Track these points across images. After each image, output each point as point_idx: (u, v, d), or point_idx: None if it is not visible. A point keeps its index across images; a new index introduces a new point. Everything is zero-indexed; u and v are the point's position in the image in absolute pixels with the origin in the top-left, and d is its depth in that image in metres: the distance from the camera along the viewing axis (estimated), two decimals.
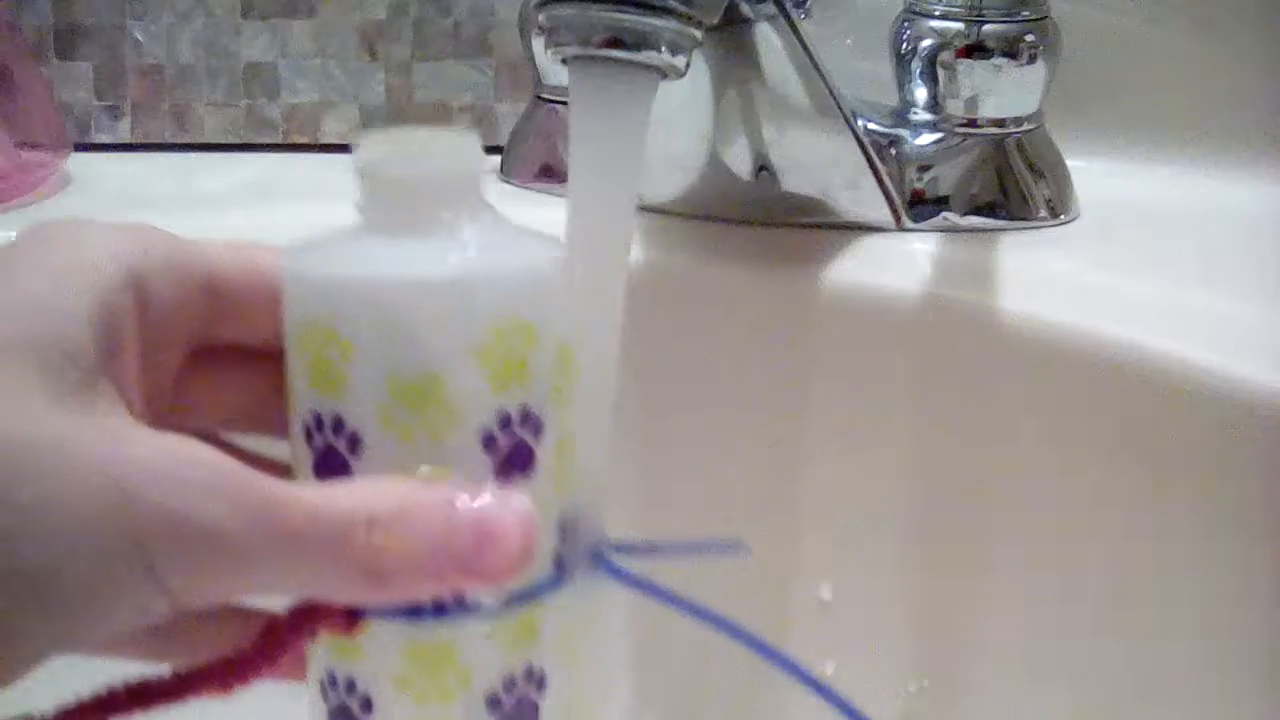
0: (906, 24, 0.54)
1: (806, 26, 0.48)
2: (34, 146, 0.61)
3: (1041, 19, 0.53)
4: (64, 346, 0.26)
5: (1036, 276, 0.49)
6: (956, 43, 0.53)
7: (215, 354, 0.31)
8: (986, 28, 0.53)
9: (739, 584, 0.51)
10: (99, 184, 0.62)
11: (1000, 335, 0.47)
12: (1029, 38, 0.53)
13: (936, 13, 0.53)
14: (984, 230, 0.53)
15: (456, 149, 0.30)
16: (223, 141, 0.67)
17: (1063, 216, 0.55)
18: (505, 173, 0.61)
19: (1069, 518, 0.46)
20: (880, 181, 0.52)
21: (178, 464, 0.25)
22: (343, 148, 0.66)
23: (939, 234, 0.53)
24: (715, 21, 0.39)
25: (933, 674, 0.50)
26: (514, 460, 0.29)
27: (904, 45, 0.54)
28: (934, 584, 0.50)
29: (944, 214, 0.53)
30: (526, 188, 0.60)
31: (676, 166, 0.53)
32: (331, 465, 0.29)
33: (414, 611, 0.28)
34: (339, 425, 0.29)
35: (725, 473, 0.52)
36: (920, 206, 0.53)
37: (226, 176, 0.64)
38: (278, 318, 0.30)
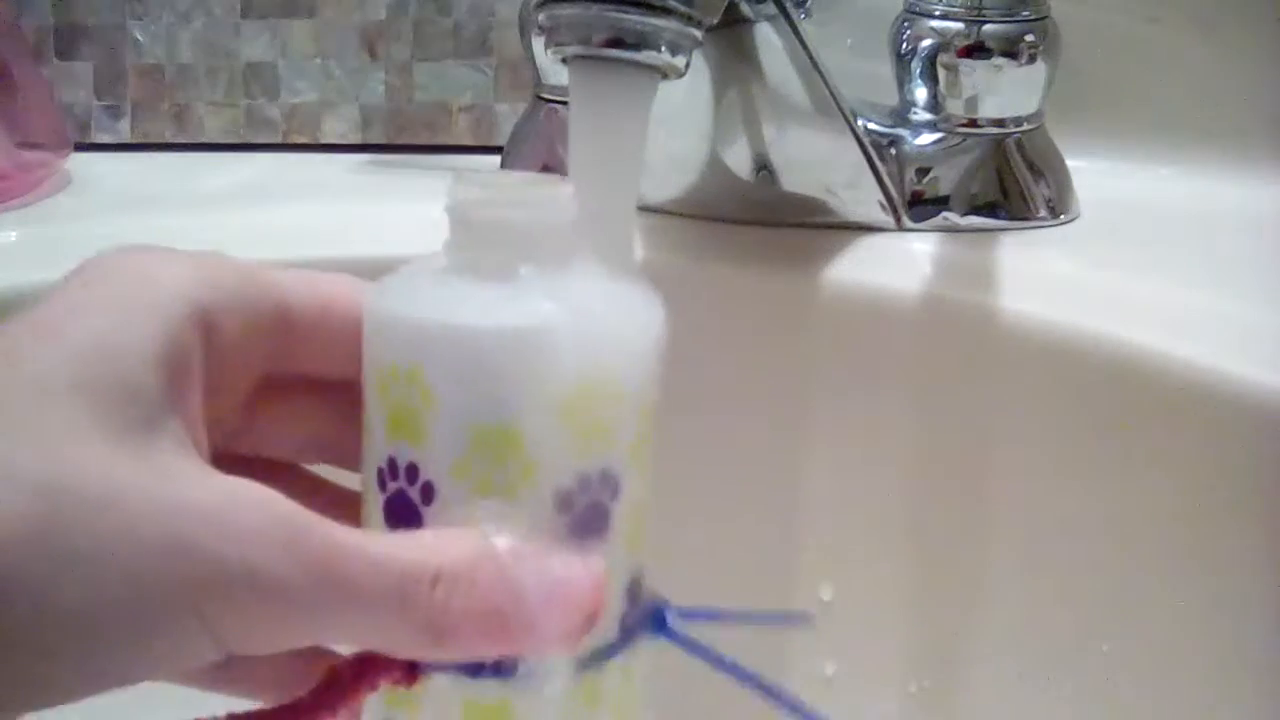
0: (906, 24, 0.54)
1: (806, 26, 0.49)
2: (34, 146, 0.61)
3: (1041, 19, 0.53)
4: (127, 386, 0.25)
5: (1036, 276, 0.49)
6: (956, 43, 0.53)
7: (284, 384, 0.31)
8: (986, 28, 0.53)
9: (740, 585, 0.51)
10: (99, 184, 0.62)
11: (1000, 335, 0.47)
12: (1029, 38, 0.53)
13: (936, 13, 0.53)
14: (984, 230, 0.53)
15: (552, 198, 0.29)
16: (223, 141, 0.67)
17: (1063, 216, 0.55)
18: None
19: (1068, 517, 0.46)
20: (880, 181, 0.52)
21: (236, 509, 0.25)
22: (343, 148, 0.66)
23: (939, 234, 0.53)
24: (715, 21, 0.39)
25: (933, 674, 0.50)
26: (588, 521, 0.28)
27: (904, 45, 0.54)
28: (934, 584, 0.50)
29: (944, 214, 0.53)
30: None
31: (676, 166, 0.53)
32: (402, 512, 0.28)
33: (475, 669, 0.28)
34: (414, 472, 0.28)
35: (725, 473, 0.52)
36: (920, 206, 0.53)
37: (226, 176, 0.63)
38: (349, 351, 0.29)
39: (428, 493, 0.28)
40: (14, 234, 0.56)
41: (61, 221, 0.58)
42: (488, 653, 0.27)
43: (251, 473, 0.29)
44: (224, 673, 0.28)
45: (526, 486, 0.27)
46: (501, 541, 0.27)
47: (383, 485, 0.29)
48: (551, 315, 0.28)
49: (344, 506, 0.30)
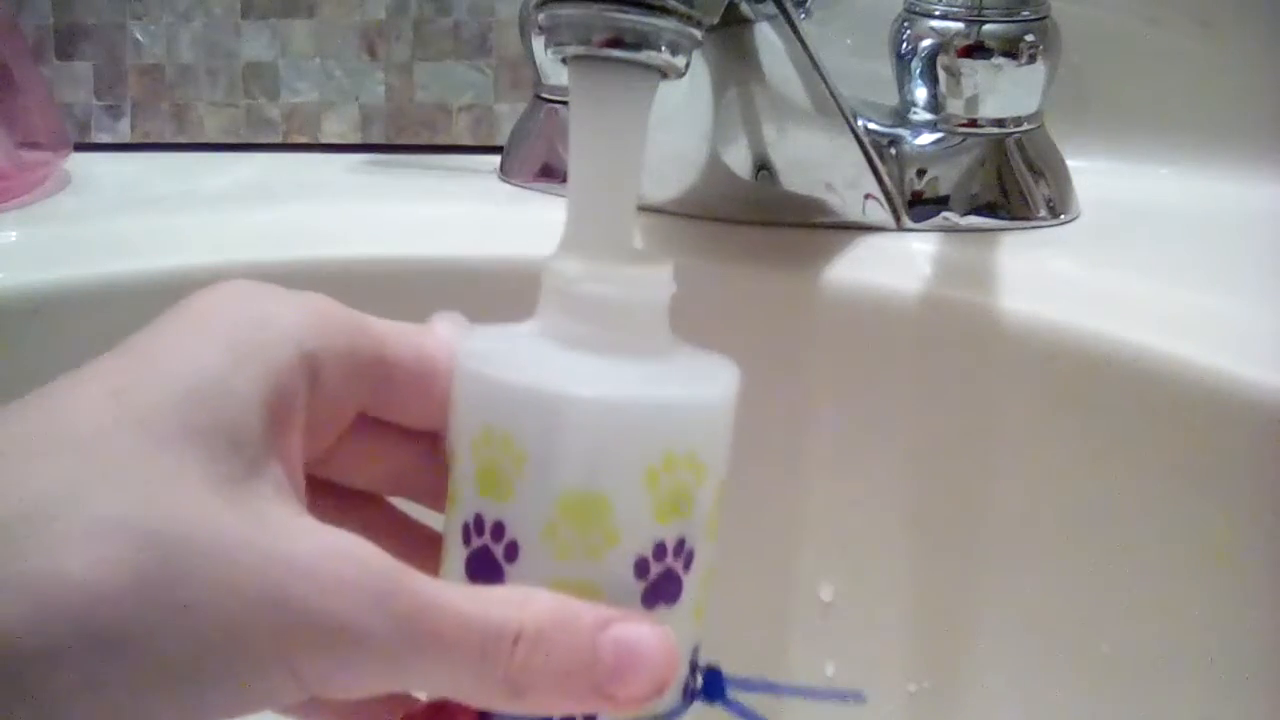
0: (906, 24, 0.54)
1: (806, 26, 0.48)
2: (34, 146, 0.61)
3: (1041, 19, 0.53)
4: (234, 432, 0.26)
5: (1036, 276, 0.49)
6: (956, 43, 0.53)
7: (369, 424, 0.31)
8: (986, 28, 0.53)
9: (741, 585, 0.51)
10: (99, 184, 0.62)
11: (1000, 335, 0.47)
12: (1029, 38, 0.53)
13: (936, 13, 0.53)
14: (984, 230, 0.53)
15: (650, 277, 0.30)
16: (223, 141, 0.67)
17: (1063, 216, 0.55)
18: (505, 173, 0.61)
19: (1068, 517, 0.46)
20: (880, 181, 0.52)
21: (332, 562, 0.25)
22: (343, 148, 0.66)
23: (939, 234, 0.53)
24: (715, 21, 0.39)
25: (933, 674, 0.50)
26: (662, 588, 0.29)
27: (904, 45, 0.54)
28: (934, 584, 0.50)
29: (944, 214, 0.53)
30: (526, 187, 0.60)
31: (676, 166, 0.53)
32: (485, 568, 0.29)
33: None
34: (499, 531, 0.29)
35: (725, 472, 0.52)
36: (920, 206, 0.53)
37: (226, 176, 0.63)
38: (435, 404, 0.30)
39: (512, 551, 0.29)
40: (14, 234, 0.56)
41: (61, 221, 0.58)
42: (561, 710, 0.28)
43: (330, 496, 0.31)
44: (306, 706, 0.30)
45: (608, 551, 0.28)
46: (582, 604, 0.27)
47: (467, 539, 0.29)
48: (642, 388, 0.29)
49: (424, 543, 0.32)
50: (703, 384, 0.30)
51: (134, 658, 0.24)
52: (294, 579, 0.25)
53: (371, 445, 0.32)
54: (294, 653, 0.25)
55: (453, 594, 0.26)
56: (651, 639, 0.27)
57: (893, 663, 0.51)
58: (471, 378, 0.30)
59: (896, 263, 0.51)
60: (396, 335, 0.30)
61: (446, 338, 0.31)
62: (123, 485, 0.24)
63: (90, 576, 0.23)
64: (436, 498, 0.31)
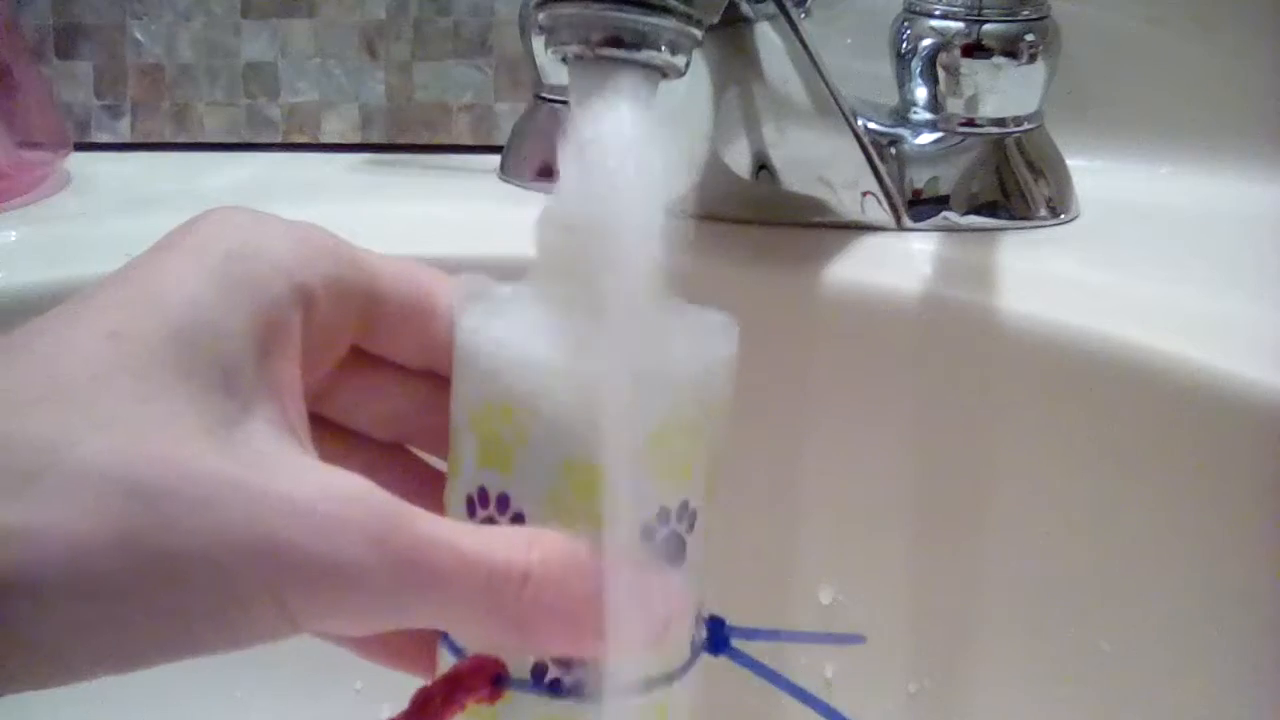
0: (906, 24, 0.54)
1: (806, 26, 0.48)
2: (34, 146, 0.61)
3: (1041, 19, 0.53)
4: (228, 371, 0.26)
5: (1036, 276, 0.49)
6: (956, 42, 0.53)
7: (366, 360, 0.31)
8: (986, 27, 0.53)
9: (741, 587, 0.51)
10: (99, 183, 0.62)
11: (1000, 335, 0.47)
12: (1029, 37, 0.53)
13: (936, 12, 0.53)
14: (984, 230, 0.53)
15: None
16: (223, 141, 0.67)
17: (1063, 216, 0.55)
18: (505, 173, 0.61)
19: (1068, 517, 0.46)
20: (880, 181, 0.52)
21: (327, 503, 0.25)
22: (343, 147, 0.66)
23: (939, 234, 0.53)
24: (715, 21, 0.39)
25: (933, 674, 0.50)
26: (667, 550, 0.29)
27: (904, 45, 0.54)
28: (934, 584, 0.50)
29: (944, 214, 0.53)
30: (526, 187, 0.60)
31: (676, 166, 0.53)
32: None
33: (555, 688, 0.29)
34: (504, 503, 0.29)
35: (724, 473, 0.52)
36: (920, 206, 0.53)
37: (226, 176, 0.64)
38: (429, 341, 0.30)
39: (518, 523, 0.29)
40: (14, 234, 0.56)
41: (61, 221, 0.58)
42: (564, 652, 0.28)
43: (338, 439, 0.31)
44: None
45: (612, 519, 0.28)
46: (589, 547, 0.27)
47: (472, 511, 0.29)
48: (641, 354, 0.29)
49: (425, 476, 0.32)
50: (700, 347, 0.30)
51: (119, 603, 0.24)
52: (285, 521, 0.25)
53: (370, 381, 0.32)
54: (285, 594, 0.25)
55: (456, 532, 0.26)
56: (657, 584, 0.28)
57: (893, 663, 0.51)
58: (469, 351, 0.30)
59: (896, 262, 0.51)
60: (391, 270, 0.31)
61: (441, 277, 0.31)
62: (114, 435, 0.24)
63: (78, 527, 0.24)
64: (438, 443, 0.31)
